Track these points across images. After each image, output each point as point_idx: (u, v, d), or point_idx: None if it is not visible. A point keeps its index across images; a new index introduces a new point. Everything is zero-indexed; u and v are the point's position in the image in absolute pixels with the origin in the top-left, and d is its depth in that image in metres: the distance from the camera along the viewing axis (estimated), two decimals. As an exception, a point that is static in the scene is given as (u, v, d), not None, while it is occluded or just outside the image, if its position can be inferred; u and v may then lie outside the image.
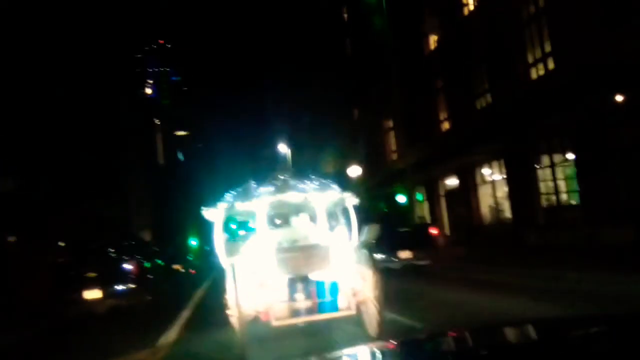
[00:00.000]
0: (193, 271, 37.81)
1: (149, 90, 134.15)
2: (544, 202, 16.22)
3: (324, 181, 8.00)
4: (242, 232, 11.18)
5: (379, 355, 1.87)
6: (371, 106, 32.97)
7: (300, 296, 6.94)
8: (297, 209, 8.25)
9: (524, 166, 16.54)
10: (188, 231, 75.09)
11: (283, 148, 52.01)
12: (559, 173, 15.49)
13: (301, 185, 7.61)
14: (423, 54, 24.10)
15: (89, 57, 32.92)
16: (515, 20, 16.66)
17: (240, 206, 7.48)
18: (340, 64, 39.33)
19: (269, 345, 7.03)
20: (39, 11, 26.92)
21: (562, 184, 15.43)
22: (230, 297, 6.91)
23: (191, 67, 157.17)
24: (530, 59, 16.50)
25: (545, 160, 16.09)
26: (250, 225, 9.59)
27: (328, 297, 6.98)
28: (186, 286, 19.04)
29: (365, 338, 6.62)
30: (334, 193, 7.73)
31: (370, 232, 7.13)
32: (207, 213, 7.80)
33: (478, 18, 18.90)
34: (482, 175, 20.00)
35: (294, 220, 8.39)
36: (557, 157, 15.52)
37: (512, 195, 17.46)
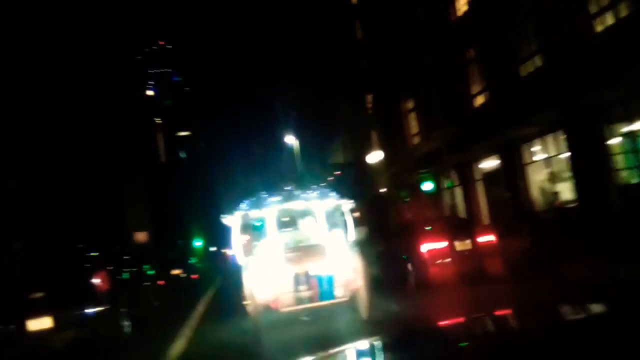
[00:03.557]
0: (195, 276, 34.74)
1: (150, 91, 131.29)
2: (620, 181, 13.22)
3: (323, 189, 9.56)
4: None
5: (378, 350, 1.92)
6: (387, 89, 30.07)
7: (303, 287, 8.20)
8: (301, 214, 9.72)
9: (592, 137, 13.53)
10: (192, 232, 72.28)
11: (290, 141, 49.03)
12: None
13: (304, 195, 9.02)
14: (450, 21, 21.07)
15: (89, 56, 31.25)
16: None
17: (253, 213, 8.90)
18: (350, 48, 36.43)
19: (278, 329, 8.31)
20: (38, 12, 25.47)
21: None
22: (246, 289, 8.26)
23: (192, 65, 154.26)
24: (594, 9, 13.53)
25: (621, 127, 13.10)
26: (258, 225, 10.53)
27: (326, 288, 8.23)
28: (185, 299, 16.03)
29: (357, 320, 7.92)
30: (332, 200, 9.10)
31: (360, 232, 8.97)
32: (226, 219, 9.11)
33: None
34: (530, 152, 16.97)
35: (298, 223, 9.90)
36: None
37: (576, 174, 14.42)
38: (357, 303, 8.28)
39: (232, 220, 9.06)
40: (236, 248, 9.12)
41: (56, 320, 8.07)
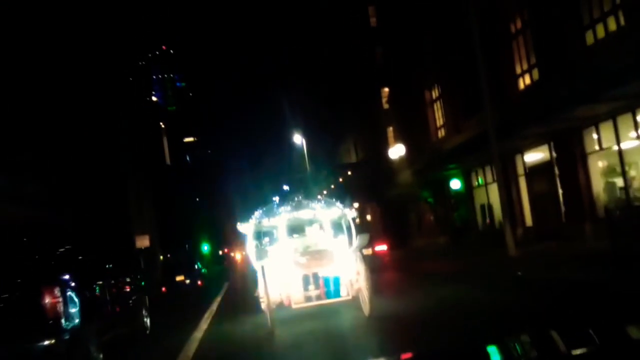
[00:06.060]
0: (200, 283, 32.23)
1: (154, 97, 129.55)
2: None
3: (329, 200, 10.88)
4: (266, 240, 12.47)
5: None
6: (406, 79, 27.53)
7: (312, 287, 9.31)
8: (309, 222, 10.84)
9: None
10: (200, 236, 70.08)
11: (298, 141, 46.52)
12: None
13: (311, 204, 10.13)
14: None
15: (90, 59, 29.91)
16: None
17: (265, 222, 10.07)
18: (363, 38, 33.93)
19: (290, 324, 9.14)
20: (40, 16, 24.69)
21: None
22: (260, 289, 9.30)
23: (197, 69, 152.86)
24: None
25: None
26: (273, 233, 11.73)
27: (332, 287, 9.36)
28: (183, 315, 13.49)
29: (360, 317, 8.80)
30: (336, 209, 10.24)
31: (362, 239, 9.30)
32: (241, 227, 10.43)
33: None
34: (594, 139, 14.31)
35: (307, 230, 11.04)
36: None
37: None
38: (360, 301, 9.05)
39: (246, 228, 10.13)
40: (250, 252, 10.05)
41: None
